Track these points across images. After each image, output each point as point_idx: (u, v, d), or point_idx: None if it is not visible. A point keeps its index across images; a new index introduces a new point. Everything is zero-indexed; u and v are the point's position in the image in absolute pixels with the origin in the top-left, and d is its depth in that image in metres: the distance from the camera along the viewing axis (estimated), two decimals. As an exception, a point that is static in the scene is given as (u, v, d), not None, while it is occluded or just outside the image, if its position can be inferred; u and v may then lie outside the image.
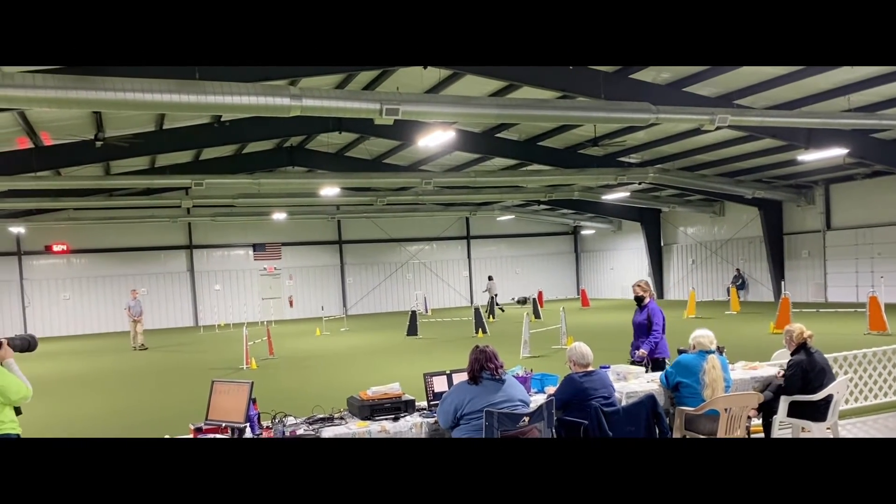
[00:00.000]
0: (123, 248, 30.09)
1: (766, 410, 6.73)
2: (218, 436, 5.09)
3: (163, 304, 30.76)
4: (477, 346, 5.44)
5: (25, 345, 4.88)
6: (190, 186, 19.09)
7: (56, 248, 28.83)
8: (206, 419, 5.31)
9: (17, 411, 4.67)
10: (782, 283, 24.08)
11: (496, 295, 28.01)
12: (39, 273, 29.26)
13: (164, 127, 17.64)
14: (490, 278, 29.07)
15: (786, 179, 24.96)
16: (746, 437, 6.37)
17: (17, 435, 4.60)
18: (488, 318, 24.95)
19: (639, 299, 8.71)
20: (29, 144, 16.83)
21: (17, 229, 27.20)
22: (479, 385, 5.25)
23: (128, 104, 9.11)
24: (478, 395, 5.18)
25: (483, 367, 5.28)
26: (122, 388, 13.89)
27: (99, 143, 16.10)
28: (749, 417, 6.39)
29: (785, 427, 6.77)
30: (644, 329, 8.51)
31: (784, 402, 6.54)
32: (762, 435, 6.89)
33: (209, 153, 21.57)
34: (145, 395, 12.87)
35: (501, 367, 5.35)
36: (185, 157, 21.33)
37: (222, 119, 17.50)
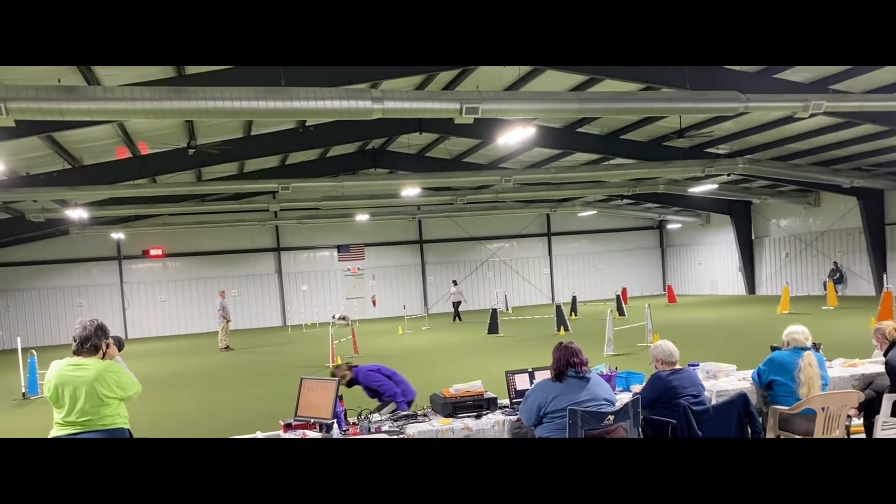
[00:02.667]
0: (215, 251, 31.31)
1: (869, 410, 6.39)
2: (308, 432, 5.23)
3: (253, 305, 31.85)
4: (561, 343, 5.37)
5: (119, 344, 5.17)
6: (277, 190, 19.67)
7: (153, 252, 30.29)
8: (296, 416, 5.48)
9: None
10: (884, 276, 22.80)
11: (460, 302, 27.87)
12: (137, 276, 30.80)
13: (252, 133, 18.24)
14: (455, 283, 29.05)
15: (887, 167, 23.56)
16: (846, 437, 6.07)
17: (129, 429, 4.87)
18: (454, 320, 26.11)
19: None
20: (128, 154, 17.75)
21: (118, 235, 28.75)
22: (564, 383, 5.18)
23: (218, 112, 9.46)
24: (562, 393, 5.12)
25: (568, 364, 5.20)
26: (214, 386, 14.47)
27: (191, 151, 16.81)
28: (849, 417, 6.09)
29: (889, 427, 6.40)
30: None
31: (888, 402, 6.19)
32: (863, 436, 6.55)
33: (295, 157, 22.19)
34: (236, 393, 13.36)
35: (586, 364, 5.27)
36: (271, 161, 21.99)
37: (307, 124, 17.96)
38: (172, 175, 20.06)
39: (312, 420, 5.33)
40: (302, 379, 5.61)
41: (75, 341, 4.79)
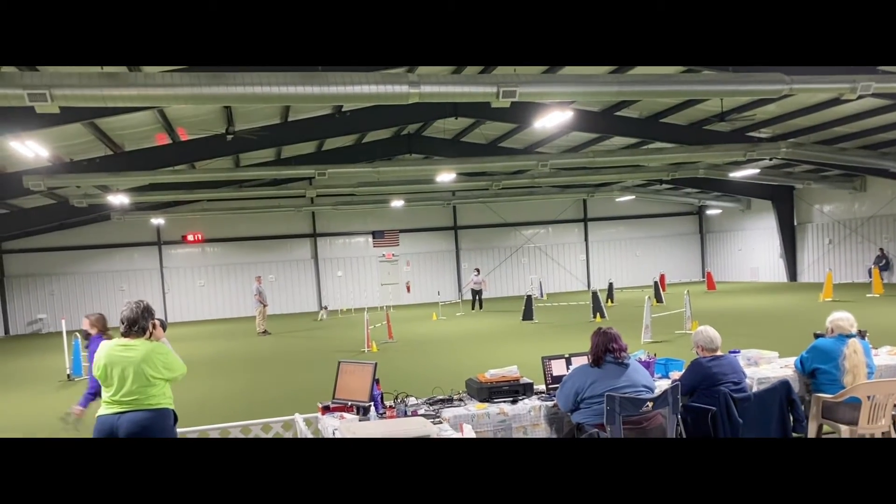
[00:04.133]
0: (252, 236, 31.70)
1: (917, 400, 6.22)
2: (346, 415, 5.26)
3: (289, 291, 32.21)
4: (600, 328, 5.34)
5: (162, 326, 5.25)
6: (313, 176, 19.81)
7: (191, 237, 30.78)
8: (333, 398, 5.52)
9: None
10: (933, 263, 22.16)
11: (481, 290, 27.60)
12: (177, 261, 31.35)
13: (289, 119, 18.36)
14: (477, 271, 28.86)
15: (937, 150, 22.85)
16: (893, 427, 5.92)
17: (173, 410, 4.97)
18: (473, 308, 26.06)
19: None
20: (167, 140, 18.01)
21: (158, 220, 29.26)
22: (602, 368, 5.15)
23: (256, 98, 9.53)
24: (600, 379, 5.08)
25: (607, 350, 5.17)
26: (252, 369, 14.68)
27: (230, 137, 16.99)
28: (895, 407, 5.94)
29: (939, 418, 6.23)
30: None
31: (938, 391, 6.02)
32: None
33: (331, 143, 22.30)
34: (275, 376, 13.54)
35: (625, 350, 5.22)
36: (308, 147, 22.14)
37: (343, 109, 18.01)
38: (211, 161, 20.31)
39: (350, 403, 5.37)
40: (340, 362, 5.65)
41: (123, 323, 4.91)
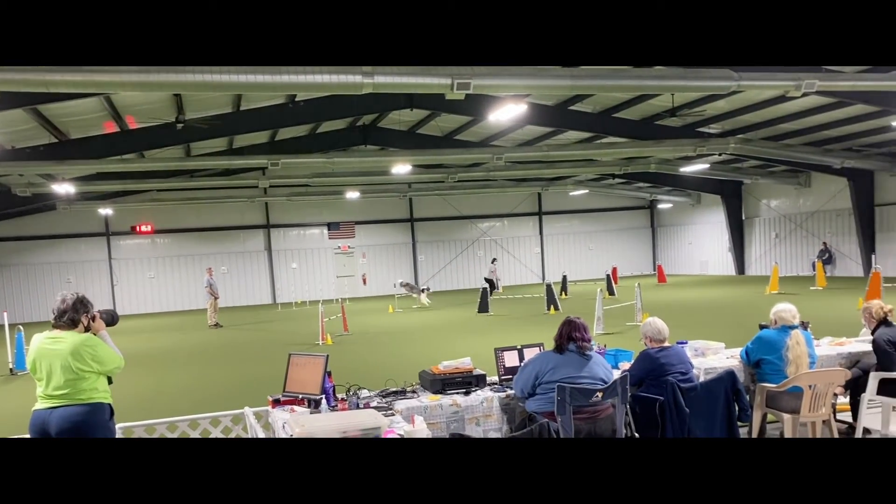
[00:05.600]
0: (204, 227, 31.16)
1: (855, 388, 6.43)
2: (296, 408, 5.21)
3: (242, 283, 31.78)
4: (568, 317, 5.44)
5: (109, 318, 5.09)
6: (266, 166, 19.53)
7: (141, 228, 30.10)
8: (284, 391, 5.46)
9: (109, 381, 4.88)
10: (873, 257, 22.95)
11: (492, 280, 28.28)
12: (126, 253, 30.63)
13: (242, 108, 18.07)
14: (494, 261, 29.60)
15: (878, 147, 23.61)
16: (832, 415, 6.12)
17: (109, 404, 4.81)
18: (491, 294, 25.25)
19: None
20: (115, 128, 17.55)
21: (106, 211, 28.53)
22: (564, 355, 5.23)
23: (206, 86, 9.35)
24: (560, 365, 5.16)
25: (570, 338, 5.25)
26: (203, 363, 14.45)
27: (180, 126, 16.64)
28: (835, 395, 6.13)
29: (874, 406, 6.45)
30: None
31: (873, 380, 6.23)
32: (849, 413, 6.60)
33: (285, 133, 22.03)
34: (226, 369, 13.35)
35: (589, 341, 5.30)
36: (261, 137, 21.83)
37: (297, 99, 17.79)
38: (161, 150, 19.89)
39: (301, 396, 5.31)
40: (290, 354, 5.59)
41: (54, 314, 4.74)
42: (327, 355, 5.38)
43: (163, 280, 30.92)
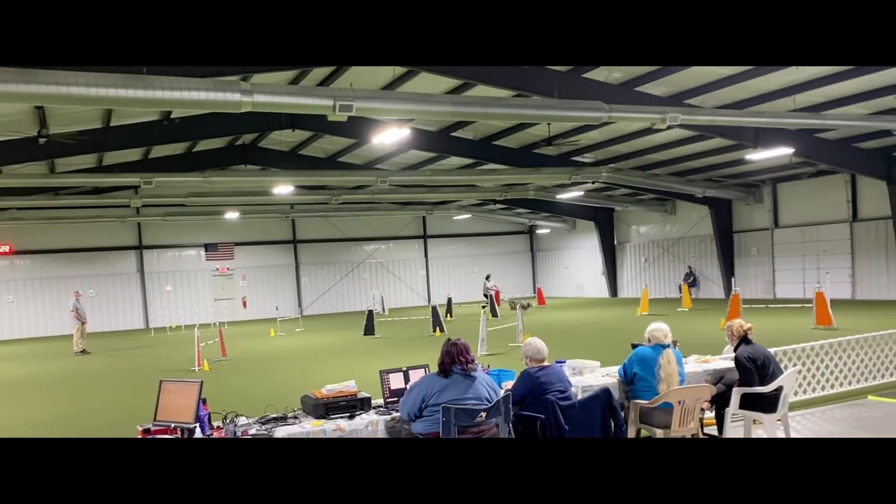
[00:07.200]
0: (70, 248, 29.24)
1: (719, 403, 6.83)
2: (167, 437, 4.94)
3: (112, 307, 30.01)
4: (450, 339, 5.43)
5: None
6: (139, 185, 18.68)
7: (-1, 249, 27.90)
8: (155, 420, 5.17)
9: None
10: (732, 279, 24.62)
11: (492, 294, 28.16)
12: (-20, 275, 28.26)
13: (112, 124, 17.17)
14: (488, 277, 29.55)
15: (735, 178, 25.51)
16: (700, 429, 6.46)
17: None
18: (490, 317, 24.74)
19: None
20: (-33, 141, 16.22)
21: (-43, 230, 26.23)
22: (449, 378, 5.22)
23: (72, 98, 8.83)
24: (446, 388, 5.16)
25: (454, 361, 5.25)
26: (67, 392, 13.47)
27: (42, 140, 15.56)
28: (702, 410, 6.48)
29: (737, 419, 6.88)
30: None
31: (736, 395, 6.65)
32: (715, 427, 7.00)
33: (159, 151, 21.09)
34: (93, 399, 12.50)
35: (473, 361, 5.32)
36: (133, 154, 20.83)
37: (172, 116, 17.12)
38: (22, 166, 18.56)
39: (173, 425, 5.04)
40: (161, 381, 5.30)
41: None
42: (201, 381, 5.14)
43: (23, 304, 28.69)
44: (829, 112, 16.05)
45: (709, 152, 21.60)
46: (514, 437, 5.49)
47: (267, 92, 9.68)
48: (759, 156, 18.91)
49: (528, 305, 25.73)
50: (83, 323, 20.95)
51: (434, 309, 21.11)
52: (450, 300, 27.62)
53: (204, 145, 21.67)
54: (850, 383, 9.12)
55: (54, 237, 28.69)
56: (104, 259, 30.05)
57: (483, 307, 26.68)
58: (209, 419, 5.12)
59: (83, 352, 20.33)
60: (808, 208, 25.07)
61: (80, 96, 8.70)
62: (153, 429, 5.09)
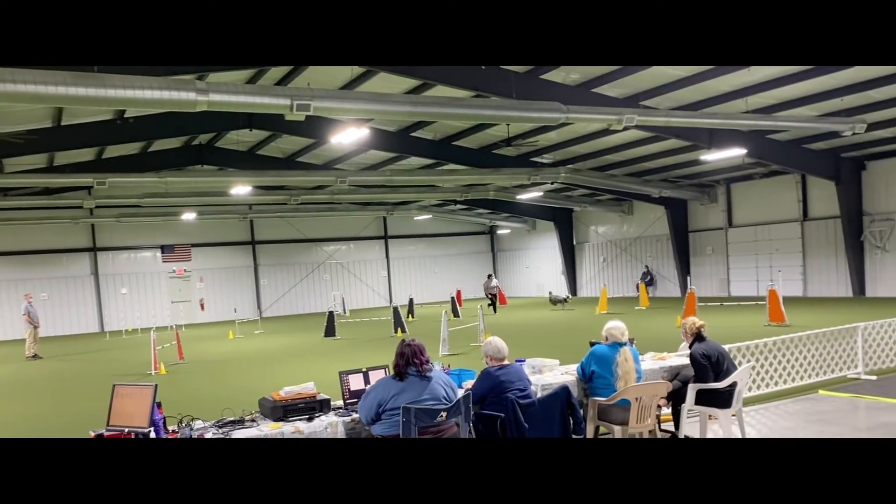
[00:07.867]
0: (21, 251, 28.44)
1: (675, 399, 6.94)
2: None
3: (66, 310, 29.29)
4: (403, 340, 5.34)
5: None
6: (92, 186, 18.24)
7: (-57, 251, 26.99)
8: (108, 425, 5.05)
9: None
10: (688, 278, 25.10)
11: (494, 294, 28.07)
12: (-75, 279, 27.32)
13: (63, 123, 16.75)
14: (489, 276, 29.41)
15: (690, 179, 25.99)
16: (657, 425, 6.55)
17: None
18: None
19: None
20: None
21: None
22: (405, 381, 5.17)
23: (19, 96, 8.59)
24: (402, 391, 5.10)
25: (409, 363, 5.19)
26: (18, 399, 13.09)
27: (-11, 139, 15.16)
28: (659, 406, 6.57)
29: (693, 415, 7.00)
30: None
31: (692, 391, 6.76)
32: (672, 423, 7.11)
33: (113, 151, 20.65)
34: (43, 404, 12.17)
35: (428, 362, 5.27)
36: (86, 154, 20.35)
37: (126, 115, 16.77)
38: (-33, 166, 18.01)
39: (127, 429, 4.93)
40: (115, 385, 5.18)
41: None
42: (156, 384, 5.04)
43: (-32, 309, 27.81)
44: (780, 114, 16.46)
45: (664, 153, 21.96)
46: (474, 436, 5.50)
47: (223, 91, 9.54)
48: (714, 156, 19.29)
49: (567, 300, 25.99)
50: (35, 327, 20.37)
51: (395, 310, 21.06)
52: (411, 301, 27.58)
53: (159, 145, 21.28)
54: (801, 378, 9.35)
55: (4, 239, 27.88)
56: (57, 261, 29.30)
57: (489, 305, 27.03)
58: (164, 423, 5.02)
59: (35, 356, 19.79)
60: (761, 208, 25.66)
61: (29, 94, 8.47)
62: (106, 434, 4.97)
